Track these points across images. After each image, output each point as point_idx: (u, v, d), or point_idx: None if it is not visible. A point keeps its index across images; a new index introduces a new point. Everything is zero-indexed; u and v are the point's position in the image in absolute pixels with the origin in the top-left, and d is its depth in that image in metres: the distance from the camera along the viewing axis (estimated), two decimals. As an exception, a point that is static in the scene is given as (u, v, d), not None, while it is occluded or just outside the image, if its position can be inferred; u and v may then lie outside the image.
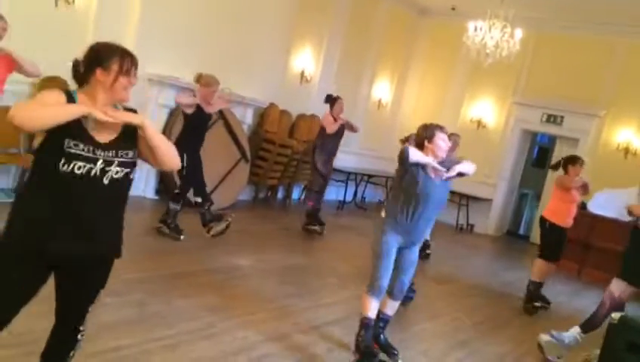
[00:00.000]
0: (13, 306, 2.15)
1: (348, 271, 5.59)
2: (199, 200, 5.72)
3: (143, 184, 6.98)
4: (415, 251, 3.68)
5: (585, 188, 5.70)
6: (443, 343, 4.26)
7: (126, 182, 2.19)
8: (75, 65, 2.14)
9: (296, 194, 9.33)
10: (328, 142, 7.07)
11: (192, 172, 5.56)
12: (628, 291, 4.44)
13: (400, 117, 11.15)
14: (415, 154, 3.42)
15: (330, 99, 7.07)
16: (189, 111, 5.33)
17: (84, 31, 6.00)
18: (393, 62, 10.93)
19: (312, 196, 7.33)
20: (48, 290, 2.24)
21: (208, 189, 7.07)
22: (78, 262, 2.20)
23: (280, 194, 9.09)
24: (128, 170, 2.17)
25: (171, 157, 2.31)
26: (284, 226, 7.19)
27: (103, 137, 2.11)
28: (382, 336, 3.74)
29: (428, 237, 6.97)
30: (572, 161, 5.76)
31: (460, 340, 4.39)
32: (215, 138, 7.26)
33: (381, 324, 3.72)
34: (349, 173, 9.72)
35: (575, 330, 4.49)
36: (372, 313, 3.57)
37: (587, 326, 4.50)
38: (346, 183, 9.80)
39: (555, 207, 5.76)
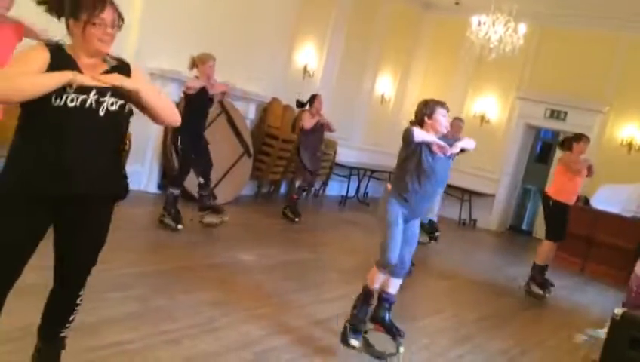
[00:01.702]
0: (16, 259, 2.09)
1: (350, 266, 5.59)
2: (202, 180, 5.68)
3: (146, 178, 6.98)
4: (416, 225, 3.70)
5: (590, 171, 5.69)
6: (445, 338, 4.26)
7: (122, 117, 2.13)
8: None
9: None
10: (310, 139, 7.17)
11: (190, 153, 5.52)
12: None
13: (403, 112, 11.12)
14: (420, 134, 3.43)
15: (308, 100, 7.14)
16: (192, 91, 5.31)
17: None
18: (396, 56, 10.89)
19: (298, 191, 7.40)
20: (45, 280, 2.21)
21: (212, 183, 7.10)
22: (79, 203, 2.13)
23: (282, 189, 9.09)
24: (123, 101, 2.10)
25: (170, 114, 2.27)
26: (287, 221, 7.19)
27: (94, 72, 2.07)
28: (388, 317, 3.70)
29: (435, 219, 6.99)
30: (577, 138, 5.79)
31: (462, 335, 4.39)
32: (218, 132, 7.26)
33: (386, 305, 3.69)
34: (352, 168, 9.71)
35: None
36: (377, 285, 3.61)
37: None
38: (349, 178, 9.79)
39: (560, 184, 5.76)
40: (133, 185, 7.21)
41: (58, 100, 1.97)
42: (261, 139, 8.24)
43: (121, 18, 2.12)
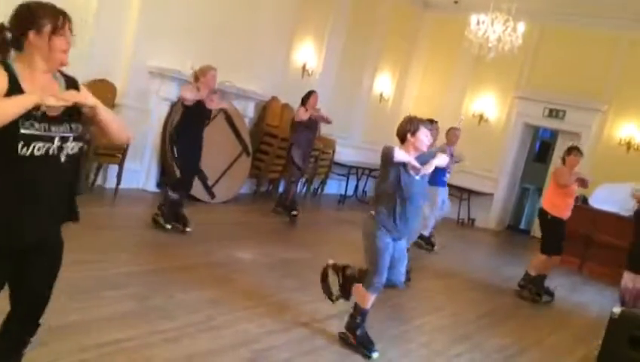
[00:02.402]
0: None
1: (349, 265, 5.58)
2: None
3: (144, 177, 6.97)
4: (403, 244, 3.76)
5: (583, 183, 5.68)
6: (444, 337, 4.27)
7: (79, 155, 2.12)
8: (0, 30, 1.95)
9: (297, 187, 9.32)
10: (302, 136, 7.15)
11: (190, 161, 5.53)
12: (638, 280, 4.45)
13: (401, 111, 11.10)
14: (399, 154, 3.46)
15: (304, 96, 7.12)
16: (189, 103, 5.31)
17: (84, 21, 5.97)
18: (395, 55, 10.89)
19: (291, 187, 7.42)
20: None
21: (210, 182, 7.10)
22: (44, 242, 2.11)
23: (281, 188, 9.08)
24: (82, 144, 2.10)
25: (121, 130, 2.22)
26: (285, 220, 7.19)
27: (52, 110, 1.99)
28: (366, 339, 3.70)
29: (426, 233, 6.99)
30: (568, 151, 5.78)
31: (461, 334, 4.39)
32: (217, 131, 7.25)
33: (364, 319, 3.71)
34: (350, 167, 9.71)
35: None
36: (368, 305, 3.65)
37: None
38: (347, 177, 9.79)
39: (553, 200, 5.76)
40: (131, 183, 7.26)
41: (25, 149, 1.91)
42: (260, 138, 8.24)
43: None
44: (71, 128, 2.04)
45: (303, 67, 9.00)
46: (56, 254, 2.21)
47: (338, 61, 9.57)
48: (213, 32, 7.20)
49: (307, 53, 9.05)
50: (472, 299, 5.55)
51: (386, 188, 3.56)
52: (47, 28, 1.95)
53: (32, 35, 1.94)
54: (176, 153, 5.52)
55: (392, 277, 3.67)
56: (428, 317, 4.73)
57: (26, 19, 1.95)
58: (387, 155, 3.46)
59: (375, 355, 3.56)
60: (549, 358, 4.33)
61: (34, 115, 1.93)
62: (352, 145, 10.23)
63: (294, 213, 7.15)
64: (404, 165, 3.50)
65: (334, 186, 9.98)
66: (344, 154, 9.86)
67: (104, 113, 2.10)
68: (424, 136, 3.60)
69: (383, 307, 4.51)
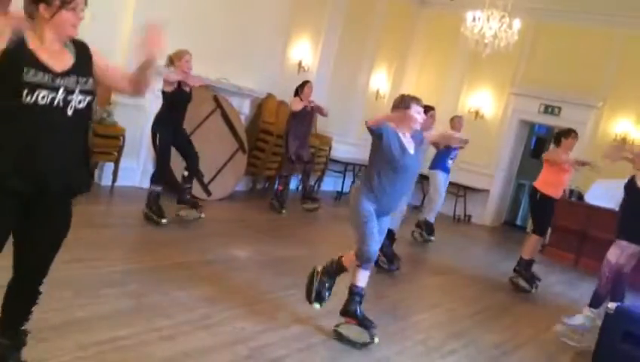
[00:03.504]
0: None
1: (345, 262, 5.59)
2: (186, 173, 5.76)
3: (140, 175, 6.96)
4: (386, 221, 3.78)
5: (581, 163, 5.74)
6: (440, 333, 4.28)
7: (89, 111, 2.16)
8: None
9: (293, 184, 9.32)
10: (298, 127, 7.22)
11: (168, 149, 5.55)
12: (623, 256, 4.50)
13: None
14: (381, 120, 3.51)
15: (298, 86, 7.25)
16: (169, 89, 5.36)
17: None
18: (391, 52, 10.88)
19: (281, 181, 7.51)
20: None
21: (206, 180, 7.10)
22: (47, 199, 2.15)
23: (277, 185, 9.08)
24: (90, 98, 2.13)
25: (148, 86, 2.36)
26: (282, 217, 7.19)
27: (58, 65, 2.06)
28: (359, 311, 3.74)
29: (432, 220, 7.06)
30: (565, 133, 5.84)
31: (457, 330, 4.40)
32: (212, 128, 7.25)
33: (357, 299, 3.72)
34: (347, 164, 9.71)
35: (585, 311, 4.58)
36: (363, 283, 3.67)
37: (595, 301, 4.60)
38: (344, 174, 9.79)
39: (547, 177, 5.82)
40: (127, 181, 7.23)
41: (29, 97, 1.97)
42: (256, 135, 8.23)
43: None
44: (77, 81, 2.08)
45: (299, 64, 8.99)
46: (64, 220, 2.27)
47: (334, 58, 9.56)
48: (209, 29, 7.18)
49: (303, 50, 9.04)
50: (468, 296, 5.57)
51: (377, 163, 3.58)
52: (57, 1, 2.01)
53: (42, 6, 2.02)
54: (157, 140, 5.53)
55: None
56: (424, 313, 4.75)
57: None
58: (368, 127, 3.51)
59: (376, 340, 3.60)
60: (545, 354, 4.35)
61: (40, 65, 2.00)
62: (349, 142, 10.23)
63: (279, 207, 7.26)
64: (399, 141, 3.52)
65: (331, 183, 9.98)
66: (340, 150, 9.86)
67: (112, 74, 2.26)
68: (416, 114, 3.62)
69: (379, 304, 4.52)
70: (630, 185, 4.70)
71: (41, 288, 2.34)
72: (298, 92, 7.23)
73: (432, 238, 7.24)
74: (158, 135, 5.49)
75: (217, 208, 6.90)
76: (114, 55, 6.46)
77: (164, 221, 5.45)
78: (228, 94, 7.61)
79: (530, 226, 9.93)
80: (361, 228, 3.56)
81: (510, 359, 4.08)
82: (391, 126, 3.56)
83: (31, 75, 1.97)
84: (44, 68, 2.02)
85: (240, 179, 7.85)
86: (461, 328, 4.47)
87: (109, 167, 6.44)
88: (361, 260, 3.59)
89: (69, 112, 2.06)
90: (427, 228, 7.25)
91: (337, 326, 3.69)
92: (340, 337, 3.64)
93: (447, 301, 5.24)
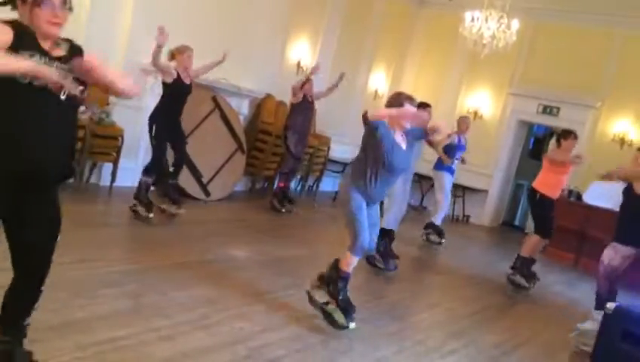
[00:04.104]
0: None
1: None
2: (172, 169, 5.77)
3: (138, 174, 6.93)
4: (376, 209, 3.89)
5: (579, 158, 5.75)
6: (439, 333, 4.28)
7: (79, 101, 2.18)
8: None
9: (292, 184, 9.32)
10: (298, 121, 7.23)
11: (164, 141, 5.57)
12: (617, 257, 4.53)
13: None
14: (375, 113, 3.61)
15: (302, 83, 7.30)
16: (169, 79, 5.42)
17: (77, 18, 5.94)
18: (390, 52, 10.88)
19: (282, 177, 7.52)
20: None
21: (205, 180, 7.09)
22: (39, 184, 2.16)
23: (276, 185, 9.07)
24: (82, 87, 2.15)
25: (127, 90, 2.38)
26: (281, 217, 7.19)
27: (53, 52, 2.09)
28: (350, 306, 3.82)
29: (438, 222, 7.05)
30: (565, 134, 5.86)
31: (456, 330, 4.40)
32: (211, 129, 7.25)
33: (345, 285, 3.82)
34: (345, 164, 9.69)
35: (594, 315, 4.58)
36: (350, 269, 3.75)
37: (598, 304, 4.61)
38: (342, 174, 9.79)
39: (545, 178, 5.83)
40: (125, 181, 7.21)
41: (23, 77, 1.99)
42: (255, 135, 8.22)
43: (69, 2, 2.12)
44: (70, 69, 2.10)
45: (298, 64, 8.99)
46: (55, 211, 2.27)
47: (333, 58, 9.55)
48: (208, 29, 7.18)
49: (302, 50, 9.03)
50: (467, 296, 5.57)
51: (366, 157, 3.66)
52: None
53: (19, 2, 2.05)
54: (153, 132, 5.54)
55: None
56: (423, 313, 4.75)
57: None
58: (366, 118, 3.58)
59: (352, 325, 3.63)
60: (544, 354, 4.35)
61: (37, 48, 2.02)
62: (347, 142, 10.21)
63: (281, 207, 7.26)
64: (391, 134, 3.58)
65: (329, 183, 9.98)
66: (339, 151, 9.86)
67: (110, 77, 2.28)
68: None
69: (378, 304, 4.52)
70: (628, 191, 4.74)
71: (42, 287, 2.33)
72: (301, 87, 7.24)
73: (443, 241, 7.21)
74: (154, 126, 5.51)
75: (216, 208, 6.90)
76: (113, 54, 6.47)
77: (151, 216, 5.47)
78: (227, 94, 7.61)
79: (529, 227, 10.06)
80: (353, 221, 3.67)
81: (510, 359, 4.08)
82: (385, 122, 3.61)
83: (27, 57, 1.98)
84: (41, 50, 2.04)
85: (239, 180, 7.84)
86: (460, 328, 4.47)
87: (108, 167, 6.43)
88: (357, 252, 3.69)
89: (62, 96, 2.08)
90: (436, 231, 7.24)
91: (326, 303, 3.75)
92: (323, 312, 3.72)
93: (447, 301, 5.24)
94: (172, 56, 5.50)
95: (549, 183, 5.79)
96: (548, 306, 5.71)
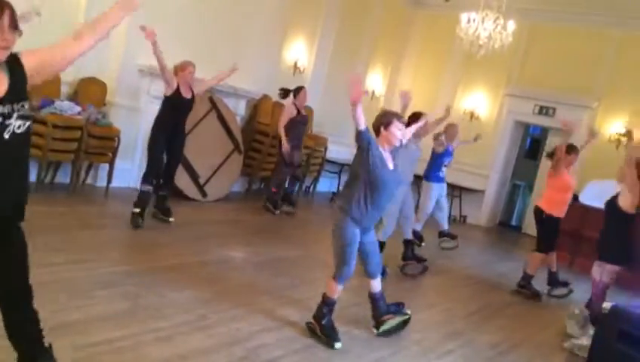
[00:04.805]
0: None
1: (341, 263, 5.58)
2: (162, 180, 5.80)
3: (135, 176, 6.93)
4: (372, 235, 3.88)
5: (571, 126, 5.72)
6: (436, 333, 4.29)
7: (28, 136, 2.11)
8: None
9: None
10: (293, 131, 7.27)
11: (159, 150, 5.59)
12: (606, 275, 4.55)
13: (393, 109, 11.12)
14: (361, 118, 3.53)
15: (295, 89, 7.33)
16: (168, 92, 5.52)
17: (74, 18, 5.93)
18: (386, 53, 10.90)
19: (274, 183, 7.55)
20: None
21: (202, 180, 7.09)
22: (4, 233, 2.12)
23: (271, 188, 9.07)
24: (29, 122, 2.09)
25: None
26: (278, 218, 7.19)
27: None
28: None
29: (419, 228, 6.99)
30: (567, 150, 5.81)
31: (453, 330, 4.42)
32: (208, 129, 7.24)
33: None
34: (343, 165, 9.72)
35: (590, 330, 4.55)
36: (337, 295, 3.75)
37: (593, 319, 4.61)
38: (339, 175, 9.80)
39: (551, 196, 5.80)
40: (122, 182, 7.21)
41: None
42: (251, 136, 8.22)
43: (17, 24, 1.99)
44: (13, 108, 2.01)
45: (295, 65, 9.00)
46: (21, 245, 2.21)
47: (329, 59, 9.56)
48: (204, 30, 7.18)
49: (298, 51, 9.04)
50: (464, 296, 5.58)
51: (357, 181, 3.64)
52: None
53: None
54: (150, 139, 5.60)
55: (370, 269, 3.86)
56: (420, 314, 4.74)
57: None
58: (357, 135, 3.55)
59: (338, 345, 3.60)
60: (540, 354, 4.36)
61: None
62: (344, 143, 10.23)
63: (285, 210, 7.30)
64: (380, 158, 3.57)
65: (326, 184, 9.99)
66: (336, 151, 9.87)
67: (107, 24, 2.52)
68: (397, 130, 3.68)
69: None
70: (611, 205, 4.71)
71: (35, 306, 2.30)
72: (294, 95, 7.29)
73: (423, 244, 7.14)
74: (151, 136, 5.58)
75: (213, 209, 6.89)
76: (109, 55, 6.46)
77: (171, 220, 5.61)
78: (223, 95, 7.60)
79: (524, 227, 10.09)
80: (344, 250, 3.66)
81: (506, 359, 4.09)
82: (374, 139, 3.62)
83: None
84: None
85: (236, 180, 7.84)
86: (457, 328, 4.48)
87: (104, 168, 6.42)
88: (341, 278, 3.69)
89: (6, 136, 2.00)
90: (415, 236, 7.15)
91: (311, 322, 3.74)
92: (311, 331, 3.70)
93: (443, 301, 5.25)
94: (175, 72, 5.61)
95: (553, 201, 5.76)
96: (544, 306, 5.73)
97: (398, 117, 3.74)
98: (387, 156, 3.68)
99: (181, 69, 5.61)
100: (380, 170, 3.56)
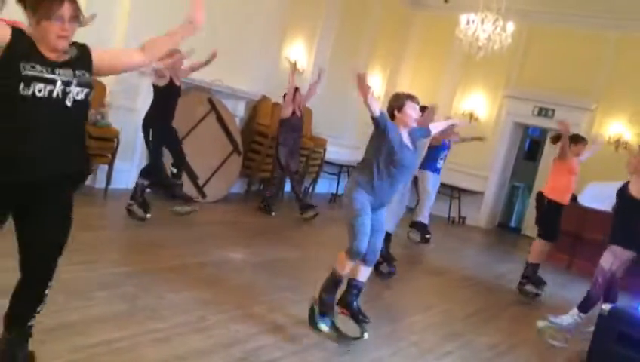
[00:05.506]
0: None
1: (340, 264, 5.58)
2: (175, 170, 5.84)
3: (134, 176, 6.92)
4: (383, 213, 3.74)
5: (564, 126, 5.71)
6: (434, 335, 4.28)
7: (87, 103, 2.20)
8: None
9: (287, 186, 9.31)
10: (287, 135, 7.28)
11: (162, 144, 5.64)
12: (617, 263, 4.52)
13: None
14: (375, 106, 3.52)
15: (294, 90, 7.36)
16: (162, 83, 5.48)
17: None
18: (386, 54, 10.91)
19: (270, 187, 7.60)
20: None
21: (201, 182, 7.09)
22: (45, 188, 2.18)
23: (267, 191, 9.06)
24: (88, 90, 2.16)
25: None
26: (277, 219, 7.19)
27: (58, 57, 2.09)
28: (355, 303, 3.76)
29: (426, 221, 6.97)
30: (574, 139, 5.82)
31: (451, 331, 4.41)
32: (207, 131, 7.25)
33: (355, 291, 3.75)
34: (342, 166, 9.72)
35: (573, 312, 4.60)
36: (345, 272, 3.65)
37: (584, 306, 4.61)
38: (339, 176, 9.80)
39: (555, 182, 5.79)
40: (120, 183, 7.20)
41: (26, 90, 1.99)
42: (250, 137, 8.23)
43: (80, 12, 2.12)
44: (75, 74, 2.11)
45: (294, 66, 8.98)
46: (63, 219, 2.30)
47: (329, 60, 9.55)
48: (204, 31, 7.14)
49: (298, 52, 9.04)
50: (463, 297, 5.58)
51: (376, 155, 3.58)
52: (40, 9, 2.02)
53: (29, 13, 2.05)
54: (150, 136, 5.58)
55: (367, 251, 3.60)
56: (418, 315, 4.75)
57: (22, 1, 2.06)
58: (375, 118, 3.52)
59: (323, 327, 3.54)
60: (539, 355, 4.36)
61: (38, 57, 2.03)
62: (343, 144, 10.24)
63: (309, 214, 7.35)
64: (399, 132, 3.54)
65: (325, 185, 9.99)
66: (335, 153, 9.87)
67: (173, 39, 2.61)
68: (411, 110, 3.65)
69: (374, 305, 4.52)
70: (622, 192, 4.71)
71: (47, 290, 2.35)
72: (294, 95, 7.31)
73: (428, 236, 7.08)
74: (151, 131, 5.55)
75: (212, 210, 6.89)
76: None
77: (148, 216, 5.50)
78: (222, 96, 7.61)
79: (523, 228, 10.09)
80: (353, 221, 3.53)
81: (504, 360, 4.09)
82: (390, 121, 3.60)
83: (29, 68, 1.99)
84: (43, 60, 2.04)
85: (235, 181, 7.84)
86: (455, 329, 4.48)
87: (103, 169, 6.42)
88: (352, 255, 3.54)
89: (68, 103, 2.09)
90: (422, 229, 7.17)
91: (333, 316, 3.69)
92: (334, 327, 3.62)
93: (442, 302, 5.25)
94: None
95: (558, 187, 5.75)
96: (542, 308, 5.72)
97: (411, 97, 3.71)
98: (406, 137, 3.68)
99: (170, 55, 5.53)
100: (400, 151, 3.54)
